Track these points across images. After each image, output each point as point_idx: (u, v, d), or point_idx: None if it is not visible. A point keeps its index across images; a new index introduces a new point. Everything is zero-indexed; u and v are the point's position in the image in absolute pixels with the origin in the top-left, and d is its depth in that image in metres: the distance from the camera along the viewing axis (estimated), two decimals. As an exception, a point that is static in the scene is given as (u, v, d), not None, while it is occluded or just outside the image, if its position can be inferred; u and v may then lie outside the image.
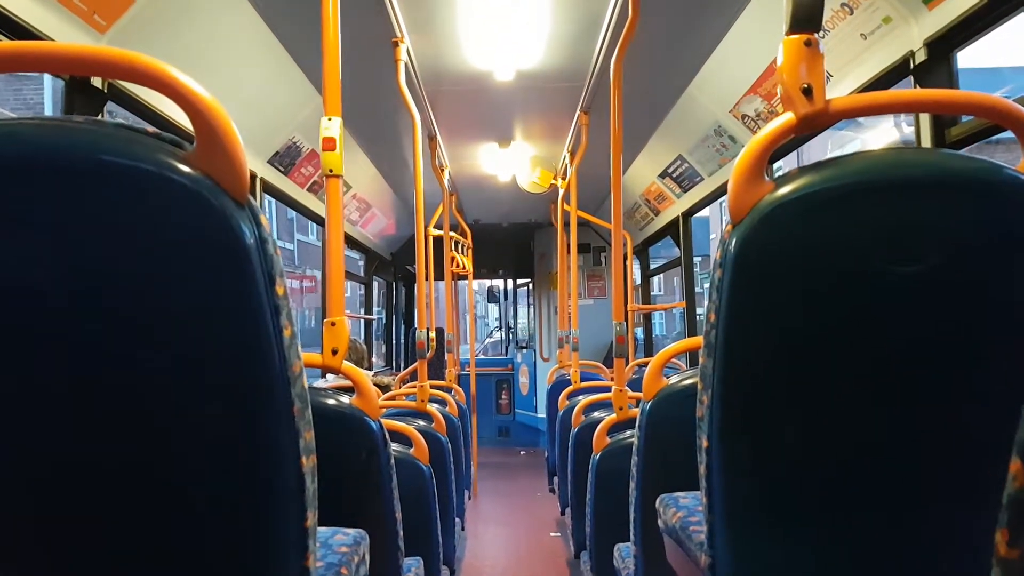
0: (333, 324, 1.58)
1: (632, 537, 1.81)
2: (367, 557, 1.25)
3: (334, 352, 1.57)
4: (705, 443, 1.01)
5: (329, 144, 1.60)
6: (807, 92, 0.91)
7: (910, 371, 0.93)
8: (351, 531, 1.26)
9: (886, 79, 2.10)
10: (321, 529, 1.20)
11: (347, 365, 1.59)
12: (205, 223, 0.74)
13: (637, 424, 1.76)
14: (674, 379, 1.74)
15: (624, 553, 2.02)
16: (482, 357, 8.71)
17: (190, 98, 0.74)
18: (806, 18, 0.92)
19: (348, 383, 1.63)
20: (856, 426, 0.94)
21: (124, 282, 0.75)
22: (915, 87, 1.94)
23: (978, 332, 0.91)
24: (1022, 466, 0.37)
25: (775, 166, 3.47)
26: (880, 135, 13.52)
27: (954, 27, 1.77)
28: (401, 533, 1.64)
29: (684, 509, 1.35)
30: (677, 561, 1.36)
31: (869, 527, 0.96)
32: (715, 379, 0.97)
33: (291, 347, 0.82)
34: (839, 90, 2.33)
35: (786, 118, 0.93)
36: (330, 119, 1.61)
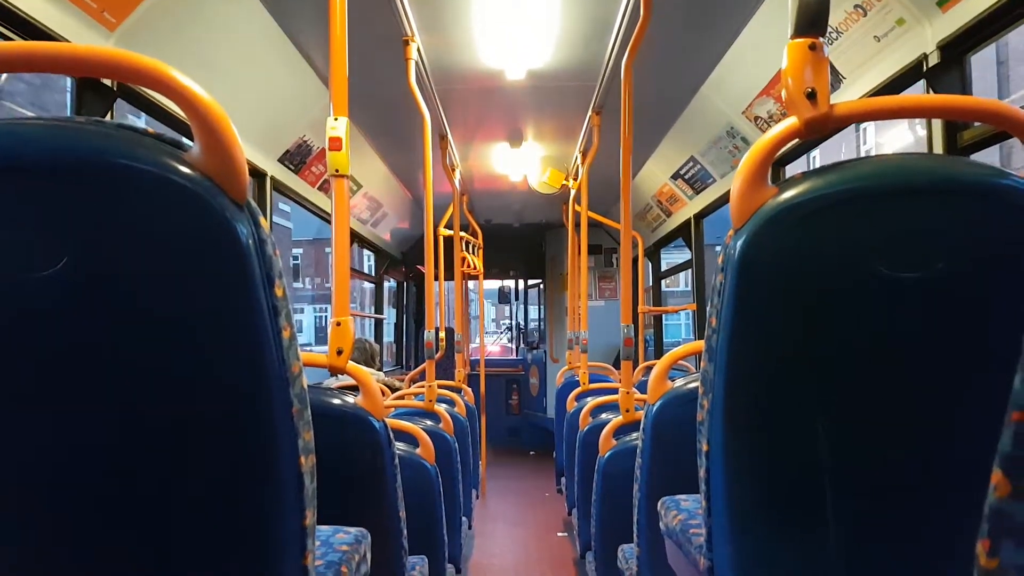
0: (338, 324, 1.59)
1: (636, 538, 1.80)
2: (368, 555, 1.25)
3: (339, 352, 1.57)
4: (705, 447, 1.00)
5: (336, 144, 1.61)
6: (811, 96, 0.90)
7: (913, 377, 0.92)
8: (352, 530, 1.26)
9: (898, 82, 2.07)
10: (322, 528, 1.21)
11: (352, 365, 1.59)
12: (204, 224, 0.75)
13: (642, 426, 1.75)
14: (679, 382, 1.73)
15: (628, 554, 2.02)
16: (492, 358, 8.70)
17: (188, 98, 0.75)
18: (811, 22, 0.91)
19: (355, 383, 1.63)
20: (857, 431, 0.94)
21: (124, 281, 0.76)
22: (928, 90, 1.92)
23: (982, 338, 0.90)
24: (1003, 476, 0.37)
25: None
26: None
27: (968, 30, 1.75)
28: (405, 532, 1.65)
29: (685, 512, 1.34)
30: (677, 563, 1.35)
31: (866, 533, 0.95)
32: (715, 383, 0.96)
33: (290, 348, 0.82)
34: (852, 92, 2.31)
35: (790, 122, 0.92)
36: (336, 119, 1.61)
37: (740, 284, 0.91)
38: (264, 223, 0.79)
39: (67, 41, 1.75)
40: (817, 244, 0.89)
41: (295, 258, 24.58)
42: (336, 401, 1.57)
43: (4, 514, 0.84)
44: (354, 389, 1.65)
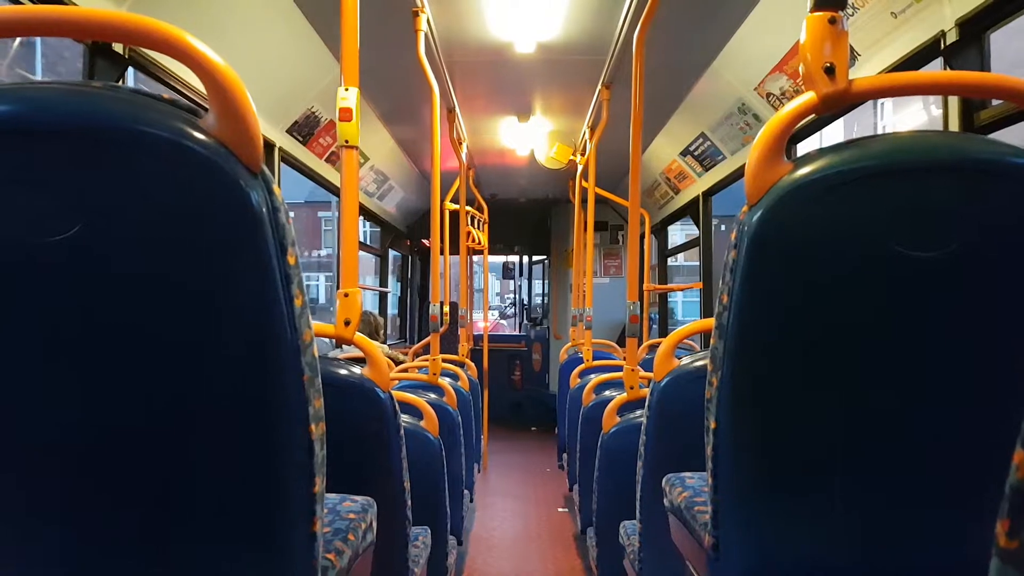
0: (346, 295, 1.59)
1: (637, 515, 1.82)
2: (374, 524, 1.27)
3: (347, 323, 1.58)
4: (713, 424, 1.01)
5: (346, 115, 1.60)
6: (829, 71, 0.89)
7: (924, 356, 0.92)
8: (359, 498, 1.27)
9: (915, 59, 2.04)
10: (329, 496, 1.22)
11: (359, 336, 1.60)
12: (218, 191, 0.74)
13: (647, 404, 1.76)
14: (686, 360, 1.74)
15: (629, 530, 2.04)
16: (495, 333, 8.72)
17: (204, 64, 0.74)
18: None
19: (362, 355, 1.64)
20: (867, 411, 0.94)
21: (137, 247, 0.76)
22: (945, 68, 1.89)
23: (996, 317, 0.90)
24: None
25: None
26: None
27: (987, 7, 1.72)
28: (409, 502, 1.66)
29: (690, 489, 1.35)
30: (680, 540, 1.36)
31: (875, 512, 0.96)
32: (725, 361, 0.96)
33: (302, 316, 0.82)
34: (866, 70, 2.28)
35: (807, 97, 0.91)
36: (347, 89, 1.60)
37: (753, 260, 0.90)
38: (277, 191, 0.79)
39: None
40: (832, 221, 0.89)
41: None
42: (343, 371, 1.58)
43: (12, 470, 0.85)
44: (360, 361, 1.65)
